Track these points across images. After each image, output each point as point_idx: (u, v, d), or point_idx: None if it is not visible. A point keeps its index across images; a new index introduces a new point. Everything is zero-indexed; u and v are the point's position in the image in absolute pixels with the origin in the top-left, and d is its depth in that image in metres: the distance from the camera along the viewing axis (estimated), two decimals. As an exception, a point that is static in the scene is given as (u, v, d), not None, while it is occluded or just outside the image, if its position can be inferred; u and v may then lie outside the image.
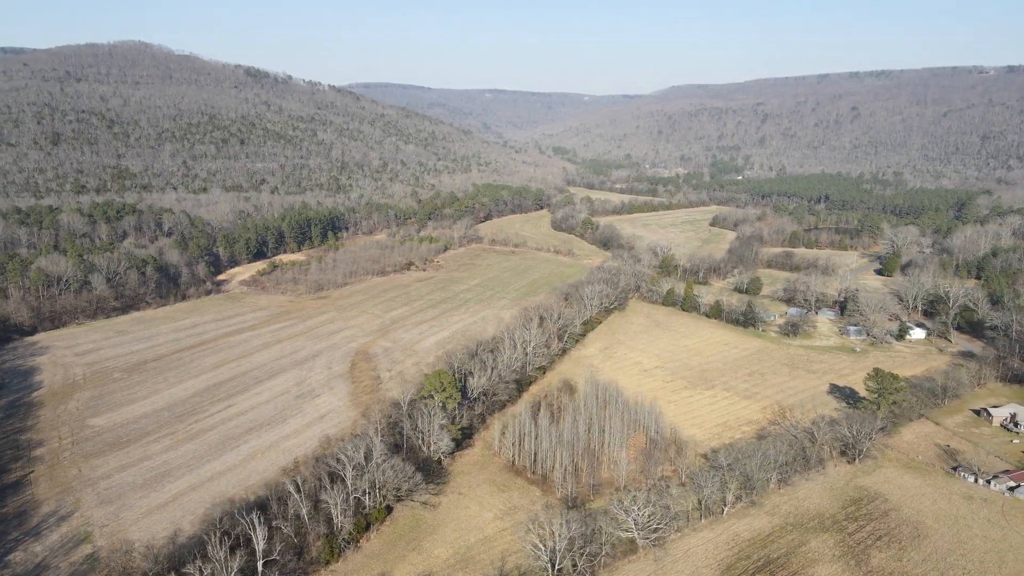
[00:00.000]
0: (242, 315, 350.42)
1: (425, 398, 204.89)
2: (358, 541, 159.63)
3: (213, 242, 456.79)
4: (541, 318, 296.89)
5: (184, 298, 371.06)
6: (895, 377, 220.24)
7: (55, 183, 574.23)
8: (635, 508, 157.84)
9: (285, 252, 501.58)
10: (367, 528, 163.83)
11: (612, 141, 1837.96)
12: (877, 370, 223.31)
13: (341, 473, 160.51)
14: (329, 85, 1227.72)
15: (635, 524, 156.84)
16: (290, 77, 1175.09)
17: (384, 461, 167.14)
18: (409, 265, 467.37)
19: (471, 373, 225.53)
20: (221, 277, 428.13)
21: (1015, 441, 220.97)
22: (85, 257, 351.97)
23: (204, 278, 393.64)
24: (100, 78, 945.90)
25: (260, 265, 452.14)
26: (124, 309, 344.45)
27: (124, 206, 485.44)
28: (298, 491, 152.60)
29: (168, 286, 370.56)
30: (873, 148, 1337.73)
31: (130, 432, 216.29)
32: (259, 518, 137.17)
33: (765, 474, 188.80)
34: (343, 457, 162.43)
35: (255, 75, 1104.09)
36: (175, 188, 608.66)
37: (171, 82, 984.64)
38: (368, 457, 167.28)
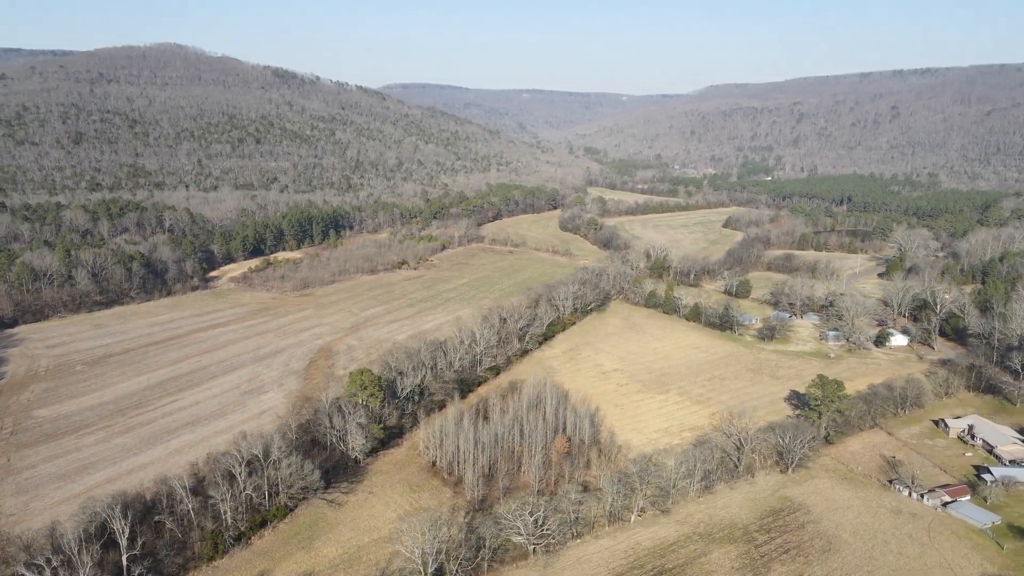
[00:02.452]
0: (221, 311, 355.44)
1: (350, 396, 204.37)
2: (250, 538, 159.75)
3: (210, 239, 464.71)
4: (503, 319, 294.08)
5: (170, 294, 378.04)
6: (839, 385, 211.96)
7: (71, 181, 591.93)
8: (525, 513, 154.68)
9: (284, 250, 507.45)
10: (263, 525, 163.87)
11: (644, 141, 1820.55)
12: (821, 377, 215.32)
13: (232, 471, 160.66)
14: (356, 85, 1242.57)
15: (523, 529, 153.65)
16: (318, 78, 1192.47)
17: (283, 458, 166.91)
18: (401, 264, 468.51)
19: (404, 373, 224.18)
20: (214, 274, 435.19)
21: (967, 454, 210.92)
22: (72, 252, 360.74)
23: (192, 274, 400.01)
24: (131, 79, 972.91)
25: (255, 262, 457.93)
26: (108, 304, 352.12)
27: (128, 203, 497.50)
28: (183, 488, 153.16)
29: (155, 282, 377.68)
30: (911, 148, 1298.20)
31: (71, 424, 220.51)
32: (124, 513, 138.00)
33: (684, 481, 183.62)
34: (236, 454, 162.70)
35: (282, 76, 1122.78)
36: (187, 186, 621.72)
37: (199, 83, 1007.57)
38: (267, 455, 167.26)
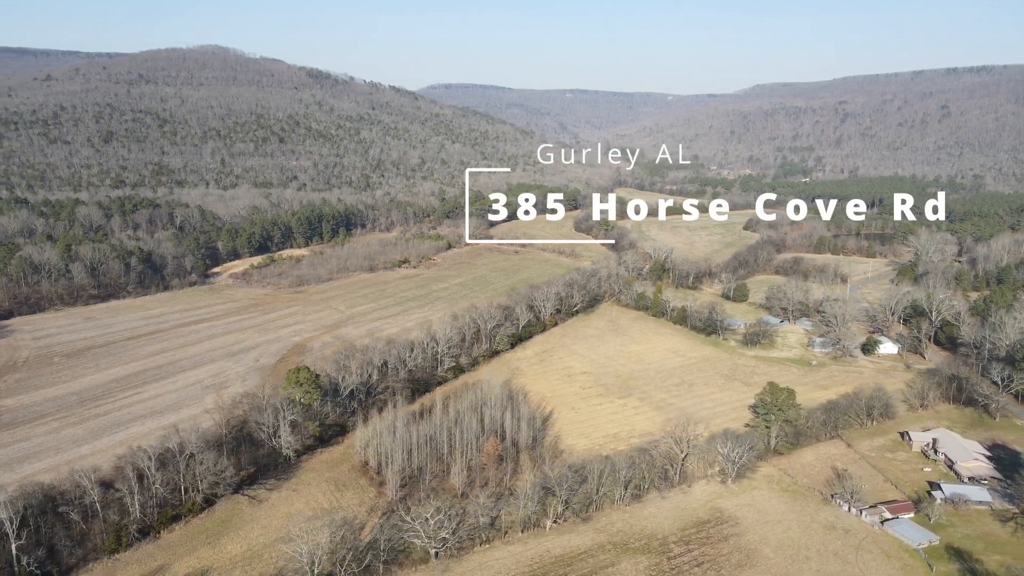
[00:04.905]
0: (211, 306, 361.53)
1: (287, 393, 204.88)
2: (159, 532, 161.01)
3: (218, 236, 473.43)
4: (474, 319, 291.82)
5: (167, 288, 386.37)
6: (790, 393, 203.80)
7: (97, 178, 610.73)
8: (425, 515, 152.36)
9: (291, 247, 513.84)
10: (175, 519, 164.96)
11: (683, 141, 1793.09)
12: (771, 384, 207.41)
13: (141, 465, 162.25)
14: (390, 85, 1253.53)
15: (424, 532, 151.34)
16: (351, 78, 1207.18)
17: (197, 454, 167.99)
18: (402, 262, 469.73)
19: (350, 371, 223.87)
20: (216, 270, 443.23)
21: (926, 469, 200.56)
22: (72, 247, 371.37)
23: (191, 270, 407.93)
24: (169, 80, 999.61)
25: (258, 259, 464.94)
26: (104, 298, 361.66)
27: (142, 200, 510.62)
28: (88, 480, 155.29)
29: (152, 277, 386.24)
30: (959, 149, 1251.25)
31: (30, 414, 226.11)
32: (13, 504, 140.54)
33: (612, 489, 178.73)
34: (147, 448, 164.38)
35: (316, 76, 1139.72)
36: (207, 184, 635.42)
37: (234, 83, 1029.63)
38: (182, 450, 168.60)
